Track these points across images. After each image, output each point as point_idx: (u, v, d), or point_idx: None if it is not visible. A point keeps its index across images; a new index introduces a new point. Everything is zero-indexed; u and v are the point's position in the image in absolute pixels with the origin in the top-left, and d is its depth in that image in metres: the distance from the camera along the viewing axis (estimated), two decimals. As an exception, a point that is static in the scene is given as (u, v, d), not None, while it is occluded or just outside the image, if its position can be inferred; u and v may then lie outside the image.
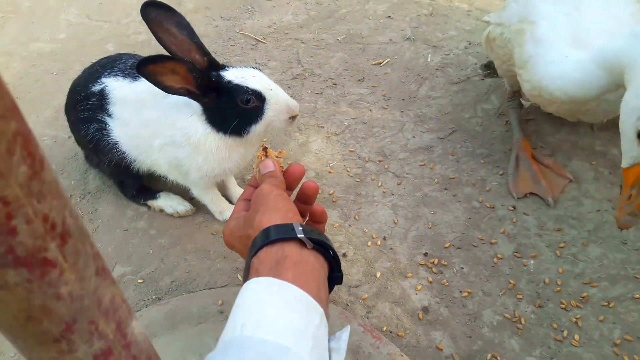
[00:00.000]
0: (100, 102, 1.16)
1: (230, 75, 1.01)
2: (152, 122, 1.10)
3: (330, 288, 0.64)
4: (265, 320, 0.50)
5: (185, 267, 1.19)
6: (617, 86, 1.01)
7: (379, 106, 1.64)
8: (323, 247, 0.62)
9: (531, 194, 1.30)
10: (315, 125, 1.58)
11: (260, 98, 1.00)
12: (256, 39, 1.97)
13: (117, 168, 1.23)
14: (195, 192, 1.24)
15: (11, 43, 1.96)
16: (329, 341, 0.56)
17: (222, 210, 1.28)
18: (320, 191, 1.36)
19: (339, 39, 1.95)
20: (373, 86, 1.72)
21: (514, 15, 1.23)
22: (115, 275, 1.18)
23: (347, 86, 1.73)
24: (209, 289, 1.13)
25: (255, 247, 0.61)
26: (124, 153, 1.19)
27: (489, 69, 1.68)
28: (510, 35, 1.23)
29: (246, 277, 0.60)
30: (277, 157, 0.81)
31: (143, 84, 1.12)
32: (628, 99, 0.91)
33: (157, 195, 1.30)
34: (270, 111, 1.01)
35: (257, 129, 1.03)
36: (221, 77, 1.00)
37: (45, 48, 1.93)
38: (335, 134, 1.55)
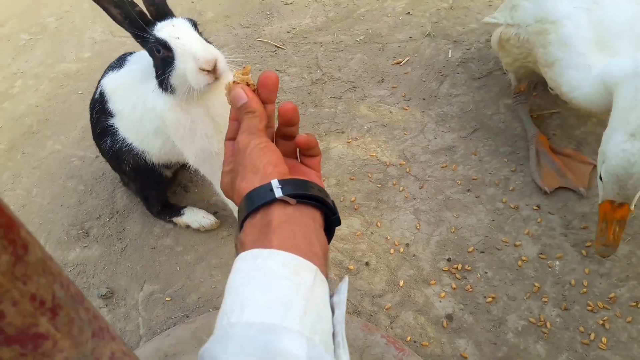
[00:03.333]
0: (102, 104, 1.22)
1: (159, 25, 0.98)
2: (136, 105, 1.15)
3: (330, 234, 0.61)
4: (250, 300, 0.49)
5: (211, 282, 1.22)
6: None
7: (400, 107, 1.63)
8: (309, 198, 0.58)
9: (560, 187, 1.27)
10: (336, 131, 1.58)
11: (167, 48, 0.96)
12: (275, 46, 1.98)
13: (140, 174, 1.27)
14: (218, 189, 1.23)
15: (39, 65, 2.03)
16: (331, 296, 0.54)
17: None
18: (341, 199, 1.37)
19: (357, 39, 1.94)
20: (393, 87, 1.71)
21: (529, 15, 1.21)
22: (145, 294, 1.22)
23: (367, 88, 1.72)
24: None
25: (239, 220, 0.58)
26: (131, 145, 1.22)
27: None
28: (528, 35, 1.21)
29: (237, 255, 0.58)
30: (244, 74, 0.73)
31: (125, 69, 1.17)
32: (603, 138, 0.99)
33: (182, 212, 1.33)
34: (179, 62, 0.96)
35: (175, 83, 0.99)
36: (153, 27, 0.98)
37: (72, 68, 1.99)
38: (356, 138, 1.55)
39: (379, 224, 1.30)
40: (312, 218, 0.57)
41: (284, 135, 0.69)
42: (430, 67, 1.76)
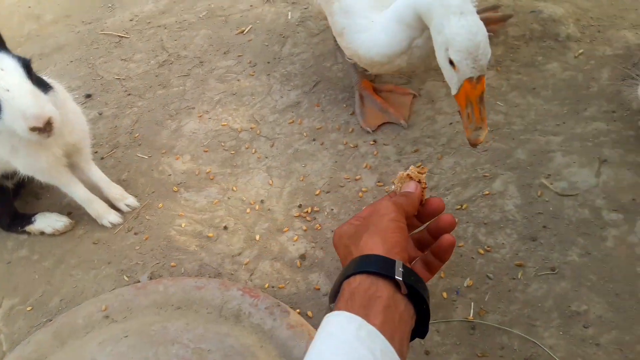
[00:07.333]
0: None
1: None
2: None
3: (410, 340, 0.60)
4: None
5: (72, 282, 1.21)
6: (421, 31, 1.06)
7: (246, 74, 1.66)
8: (416, 296, 0.58)
9: (386, 123, 1.36)
10: (186, 108, 1.59)
11: None
12: (119, 36, 1.94)
13: None
14: (65, 190, 1.24)
15: None
16: None
17: (99, 214, 1.29)
18: (197, 172, 1.39)
19: (200, 16, 1.95)
20: (238, 55, 1.73)
21: None
22: (4, 310, 1.19)
23: (214, 61, 1.74)
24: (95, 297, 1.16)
25: (349, 270, 0.59)
26: None
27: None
28: (320, 1, 1.26)
29: (333, 296, 0.61)
30: (419, 173, 0.75)
31: None
32: (434, 38, 0.99)
33: (33, 219, 1.30)
34: (6, 116, 0.92)
35: (4, 130, 0.96)
36: None
37: None
38: (207, 112, 1.57)
39: (234, 188, 1.34)
40: (411, 318, 0.58)
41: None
42: (272, 31, 1.80)
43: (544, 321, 0.96)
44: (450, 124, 1.33)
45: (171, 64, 1.77)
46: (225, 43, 1.80)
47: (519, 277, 1.03)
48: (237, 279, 1.15)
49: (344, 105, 1.47)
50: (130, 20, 2.02)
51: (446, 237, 0.67)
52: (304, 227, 1.21)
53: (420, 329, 0.61)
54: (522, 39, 1.53)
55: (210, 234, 1.25)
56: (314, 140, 1.40)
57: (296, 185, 1.31)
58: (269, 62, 1.69)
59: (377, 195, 1.23)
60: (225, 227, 1.26)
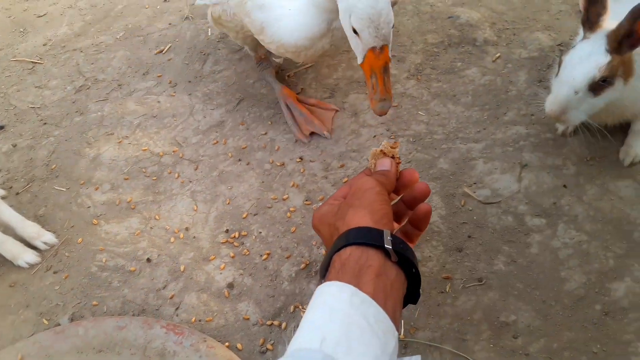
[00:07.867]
0: None
1: None
2: None
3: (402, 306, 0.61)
4: (346, 339, 0.49)
5: (-19, 331, 1.12)
6: (336, 12, 1.04)
7: (167, 95, 1.61)
8: (406, 263, 0.59)
9: (317, 137, 1.36)
10: (105, 134, 1.52)
11: None
12: (32, 62, 1.84)
13: None
14: None
15: None
16: None
17: (14, 255, 1.21)
18: (117, 202, 1.32)
19: (118, 37, 1.87)
20: (158, 76, 1.67)
21: None
22: None
23: (133, 83, 1.67)
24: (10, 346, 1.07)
25: (339, 244, 0.59)
26: None
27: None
28: (233, 9, 1.25)
29: (323, 271, 0.60)
30: (392, 148, 0.75)
31: None
32: (339, 5, 0.98)
33: (-62, 266, 1.20)
34: None
35: None
36: None
37: None
38: (126, 137, 1.50)
39: (157, 216, 1.28)
40: (402, 285, 0.59)
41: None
42: (193, 48, 1.75)
43: (474, 334, 0.96)
44: (374, 136, 1.32)
45: (88, 89, 1.69)
46: (144, 64, 1.74)
47: (447, 290, 1.02)
48: (162, 315, 1.09)
49: (269, 122, 1.43)
50: (44, 44, 1.92)
51: (422, 206, 0.69)
52: (232, 254, 1.17)
53: (411, 296, 0.62)
54: (441, 46, 1.55)
55: (133, 268, 1.19)
56: (239, 160, 1.36)
57: (222, 209, 1.26)
58: (190, 82, 1.63)
59: (305, 214, 1.20)
60: (149, 260, 1.20)
